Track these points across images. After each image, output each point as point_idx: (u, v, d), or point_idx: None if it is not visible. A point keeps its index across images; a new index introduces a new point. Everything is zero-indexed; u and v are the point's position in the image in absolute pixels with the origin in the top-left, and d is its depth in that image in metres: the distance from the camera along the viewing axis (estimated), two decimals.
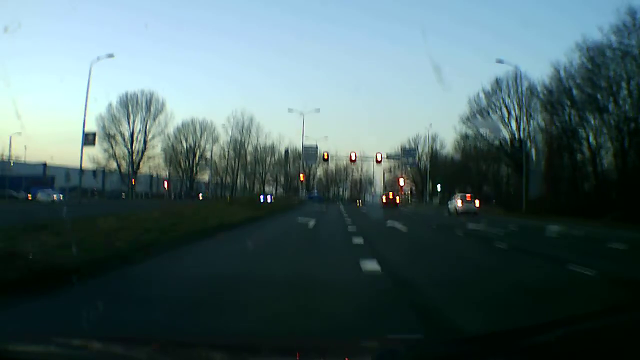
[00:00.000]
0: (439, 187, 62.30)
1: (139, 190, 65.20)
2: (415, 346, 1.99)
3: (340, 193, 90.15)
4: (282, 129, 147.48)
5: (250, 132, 73.02)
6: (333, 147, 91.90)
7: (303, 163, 58.71)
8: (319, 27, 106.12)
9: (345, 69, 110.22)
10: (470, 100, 47.83)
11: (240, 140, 72.15)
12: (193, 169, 71.06)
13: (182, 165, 70.78)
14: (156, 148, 66.63)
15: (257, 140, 74.51)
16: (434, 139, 70.09)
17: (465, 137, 50.60)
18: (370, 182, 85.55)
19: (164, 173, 70.17)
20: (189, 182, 70.92)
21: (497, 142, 48.15)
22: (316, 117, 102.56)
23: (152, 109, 65.35)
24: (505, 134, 46.04)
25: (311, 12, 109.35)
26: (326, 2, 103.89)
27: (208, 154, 70.83)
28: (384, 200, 49.74)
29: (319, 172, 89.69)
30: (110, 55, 39.84)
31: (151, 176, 67.64)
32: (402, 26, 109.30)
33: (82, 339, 2.10)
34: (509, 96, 45.74)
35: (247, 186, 77.10)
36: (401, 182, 63.41)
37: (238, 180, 76.01)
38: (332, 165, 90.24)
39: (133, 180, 62.29)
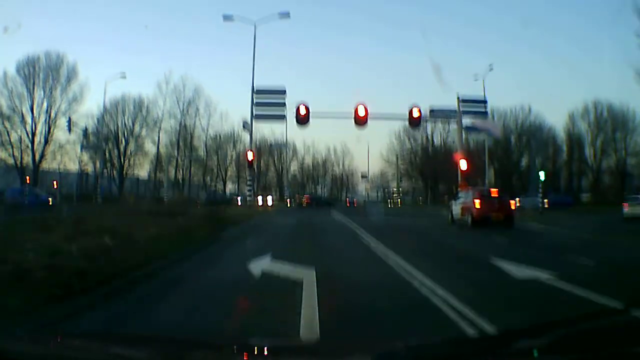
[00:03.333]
0: (542, 174, 31.85)
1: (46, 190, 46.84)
2: (415, 346, 1.91)
3: (319, 192, 73.71)
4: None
5: (197, 109, 54.63)
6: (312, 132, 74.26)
7: (252, 123, 28.14)
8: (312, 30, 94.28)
9: (337, 68, 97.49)
10: None
11: (182, 119, 53.39)
12: (123, 161, 53.11)
13: (108, 155, 52.52)
14: (67, 132, 48.51)
15: (208, 122, 56.23)
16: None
17: None
18: (364, 176, 67.36)
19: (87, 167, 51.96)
20: (119, 178, 53.07)
21: None
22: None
23: (60, 76, 47.74)
24: None
25: (308, 16, 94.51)
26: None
27: (144, 142, 53.73)
28: (478, 207, 18.58)
29: (294, 166, 73.15)
30: None
31: (59, 173, 47.28)
32: (400, 24, 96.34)
33: (82, 339, 2.11)
34: None
35: (190, 183, 59.64)
36: (463, 165, 28.53)
37: (187, 177, 58.70)
38: (308, 159, 74.07)
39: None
